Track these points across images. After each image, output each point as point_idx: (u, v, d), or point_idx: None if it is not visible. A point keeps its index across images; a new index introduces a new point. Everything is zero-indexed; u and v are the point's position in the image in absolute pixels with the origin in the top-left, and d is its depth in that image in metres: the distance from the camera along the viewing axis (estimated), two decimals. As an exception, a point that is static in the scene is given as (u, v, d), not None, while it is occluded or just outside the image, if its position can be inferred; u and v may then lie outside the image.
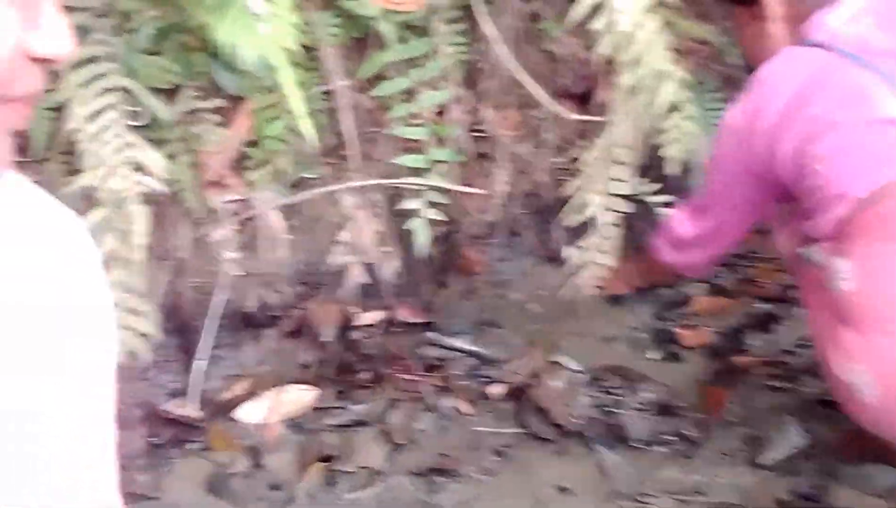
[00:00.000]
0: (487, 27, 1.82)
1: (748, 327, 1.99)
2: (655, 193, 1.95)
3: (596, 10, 1.60)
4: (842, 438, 1.57)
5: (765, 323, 2.00)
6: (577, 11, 1.57)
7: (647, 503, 1.51)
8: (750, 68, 1.51)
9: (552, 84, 2.13)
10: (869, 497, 1.44)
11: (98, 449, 0.59)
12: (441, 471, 1.56)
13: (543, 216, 2.23)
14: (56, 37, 0.50)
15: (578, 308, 2.07)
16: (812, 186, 1.33)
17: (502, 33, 1.90)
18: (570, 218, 1.88)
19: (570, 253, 1.97)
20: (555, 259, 2.22)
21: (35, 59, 0.50)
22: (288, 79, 1.33)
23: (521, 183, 2.09)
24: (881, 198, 1.25)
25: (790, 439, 1.58)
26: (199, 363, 1.56)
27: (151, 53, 1.35)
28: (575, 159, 2.18)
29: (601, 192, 1.83)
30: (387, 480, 1.55)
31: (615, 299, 2.06)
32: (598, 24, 1.58)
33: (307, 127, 1.39)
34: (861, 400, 1.29)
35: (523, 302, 2.08)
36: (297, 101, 1.35)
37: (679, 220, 1.68)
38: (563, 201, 2.23)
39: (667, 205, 2.06)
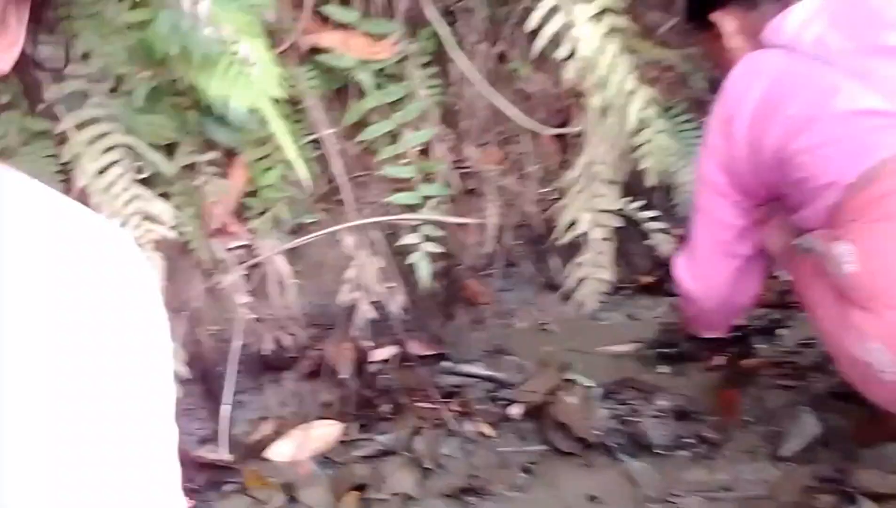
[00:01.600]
0: (465, 68, 1.92)
1: (753, 332, 2.04)
2: (640, 207, 2.03)
3: (557, 40, 1.69)
4: (857, 424, 1.60)
5: (768, 328, 2.05)
6: (539, 43, 1.62)
7: (677, 504, 1.52)
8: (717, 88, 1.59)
9: (530, 120, 2.23)
10: (891, 475, 1.47)
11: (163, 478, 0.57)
12: (472, 491, 1.57)
13: (537, 245, 2.29)
14: None
15: (584, 327, 2.13)
16: (799, 179, 1.38)
17: (474, 75, 2.01)
18: (562, 238, 1.91)
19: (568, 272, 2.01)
20: (552, 285, 2.29)
21: None
22: (280, 128, 1.40)
23: (512, 214, 2.17)
24: (869, 181, 1.30)
25: (807, 429, 1.61)
26: (225, 408, 1.58)
27: (148, 112, 1.43)
28: (560, 190, 2.27)
29: (588, 209, 1.88)
30: (420, 504, 1.56)
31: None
32: (561, 53, 1.65)
33: (303, 172, 1.46)
34: (881, 378, 1.30)
35: (529, 327, 2.13)
36: (290, 148, 1.42)
37: (686, 286, 1.65)
38: (553, 231, 2.31)
39: (653, 219, 2.15)
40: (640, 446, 1.66)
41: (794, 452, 1.57)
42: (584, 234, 1.85)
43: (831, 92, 1.34)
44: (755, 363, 1.89)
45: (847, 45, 1.37)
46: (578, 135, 2.22)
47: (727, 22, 1.56)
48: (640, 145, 1.77)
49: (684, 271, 1.64)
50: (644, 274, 2.31)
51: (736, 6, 1.56)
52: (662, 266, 2.42)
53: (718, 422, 1.70)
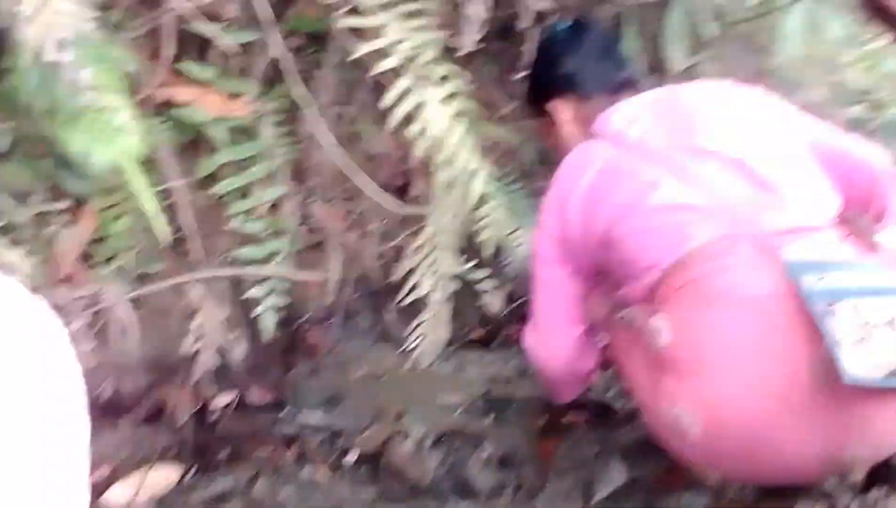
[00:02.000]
0: (316, 129, 2.01)
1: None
2: (472, 267, 2.18)
3: (409, 118, 1.75)
4: (659, 473, 1.75)
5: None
6: (393, 119, 1.69)
7: (499, 543, 1.65)
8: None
9: (373, 180, 2.35)
10: None
11: None
12: (309, 534, 1.65)
13: (374, 300, 2.40)
14: None
15: (417, 379, 2.25)
16: (624, 260, 1.53)
17: (324, 136, 2.11)
18: (405, 299, 2.01)
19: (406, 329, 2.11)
20: (388, 338, 2.40)
21: None
22: (140, 183, 1.44)
23: (352, 269, 2.27)
24: (682, 267, 1.45)
25: (615, 477, 1.75)
26: (62, 453, 1.57)
27: (3, 161, 1.43)
28: (399, 247, 2.39)
29: (430, 273, 1.98)
30: (257, 547, 1.61)
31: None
32: (413, 130, 1.73)
33: (160, 225, 1.50)
34: (685, 437, 1.44)
35: (364, 377, 2.23)
36: (148, 200, 1.46)
37: (536, 354, 1.77)
38: (391, 286, 2.42)
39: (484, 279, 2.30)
40: (466, 491, 1.77)
41: (602, 498, 1.72)
42: (426, 295, 1.94)
43: (652, 186, 1.49)
44: (572, 418, 2.05)
45: (666, 144, 1.53)
46: (418, 197, 2.37)
47: (561, 111, 1.73)
48: (481, 218, 1.91)
49: (532, 343, 1.76)
50: (474, 329, 2.46)
51: (570, 97, 1.73)
52: (491, 322, 2.59)
53: (537, 469, 1.83)
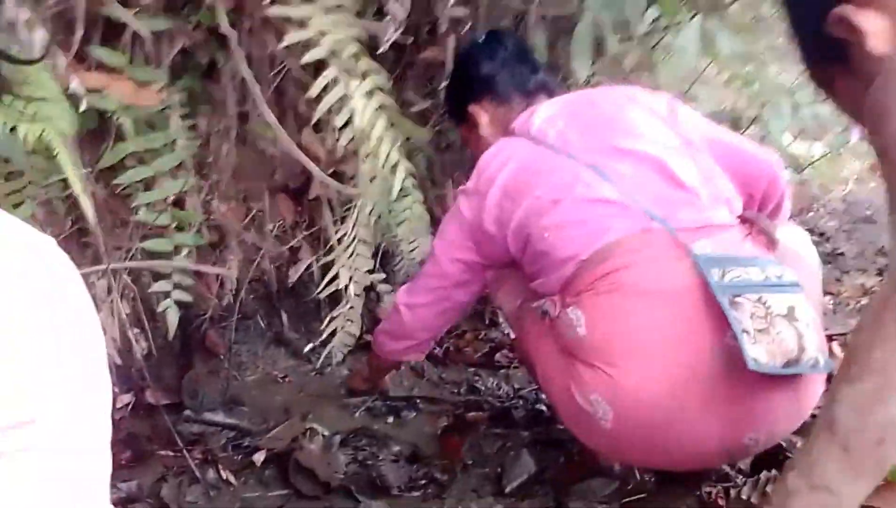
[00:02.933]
0: (216, 123, 1.97)
1: (468, 386, 2.29)
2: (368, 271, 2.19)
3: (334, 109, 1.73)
4: (566, 463, 1.84)
5: (474, 385, 2.31)
6: (320, 109, 1.67)
7: (414, 539, 1.65)
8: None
9: (271, 180, 2.31)
10: (598, 504, 1.69)
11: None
12: (219, 536, 1.60)
13: (270, 301, 2.37)
14: None
15: (313, 380, 2.23)
16: (540, 252, 1.59)
17: (221, 131, 2.07)
18: (323, 292, 1.99)
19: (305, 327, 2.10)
20: (282, 341, 2.37)
21: None
22: (67, 163, 1.37)
23: (250, 270, 2.22)
24: (600, 258, 1.52)
25: (525, 468, 1.81)
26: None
27: None
28: (295, 249, 2.37)
29: (348, 267, 1.98)
30: (167, 549, 1.55)
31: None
32: (338, 122, 1.73)
33: (87, 206, 1.43)
34: (599, 426, 1.49)
35: (261, 378, 2.20)
36: (76, 182, 1.39)
37: (402, 307, 1.83)
38: (287, 288, 2.39)
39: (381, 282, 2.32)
40: (377, 488, 1.77)
41: (514, 488, 1.76)
42: (339, 290, 1.94)
43: (572, 180, 1.56)
44: (473, 415, 2.10)
45: (586, 143, 1.61)
46: (316, 199, 2.36)
47: (481, 114, 1.79)
48: (399, 213, 1.92)
49: (404, 295, 1.84)
50: (367, 332, 2.47)
51: (488, 100, 1.80)
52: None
53: (445, 465, 1.87)
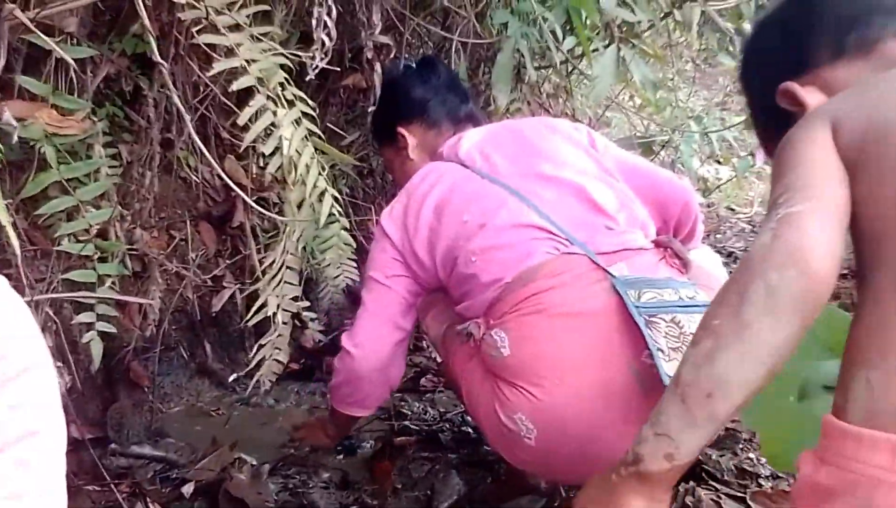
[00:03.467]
0: (141, 153, 1.96)
1: (395, 411, 2.31)
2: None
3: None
4: (496, 482, 1.87)
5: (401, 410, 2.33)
6: (249, 137, 1.66)
7: (348, 564, 1.66)
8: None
9: (195, 208, 2.31)
10: None
11: None
12: (149, 569, 1.58)
13: (194, 331, 2.35)
14: None
15: (237, 411, 2.23)
16: (467, 275, 1.62)
17: (144, 159, 2.06)
18: (250, 320, 1.96)
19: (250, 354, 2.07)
20: (205, 372, 2.35)
21: None
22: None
23: (173, 300, 2.21)
24: (523, 281, 1.55)
25: (454, 488, 1.84)
26: None
27: None
28: (218, 277, 2.36)
29: (276, 295, 1.95)
30: (96, 587, 1.53)
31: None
32: (266, 149, 1.71)
33: (12, 236, 1.41)
34: (524, 444, 1.52)
35: (185, 410, 2.18)
36: (1, 212, 1.37)
37: (351, 349, 1.75)
38: (211, 317, 2.38)
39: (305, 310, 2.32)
40: (310, 514, 1.77)
41: (445, 508, 1.79)
42: (264, 319, 1.92)
43: (499, 205, 1.60)
44: (402, 440, 2.12)
45: (511, 170, 1.66)
46: (238, 227, 2.36)
47: (410, 137, 1.83)
48: (326, 239, 1.94)
49: (347, 338, 1.75)
50: (292, 361, 2.47)
51: (419, 124, 1.83)
52: (308, 355, 2.61)
53: (376, 490, 1.89)
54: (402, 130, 1.83)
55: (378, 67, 1.95)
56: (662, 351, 1.45)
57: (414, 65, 1.88)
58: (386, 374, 1.78)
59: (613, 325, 1.51)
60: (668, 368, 1.44)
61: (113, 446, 1.90)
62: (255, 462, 1.93)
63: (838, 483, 0.77)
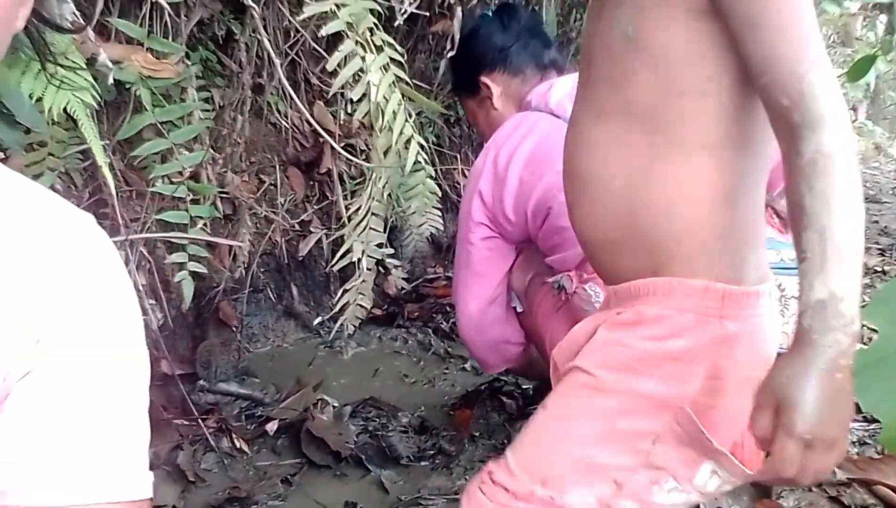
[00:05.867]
0: (228, 96, 1.99)
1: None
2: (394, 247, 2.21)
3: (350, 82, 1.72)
4: None
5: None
6: (337, 82, 1.66)
7: (426, 506, 1.67)
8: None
9: (283, 154, 2.34)
10: None
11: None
12: (235, 500, 1.63)
13: (281, 274, 2.39)
14: None
15: (322, 353, 2.27)
16: (560, 226, 1.57)
17: (234, 104, 2.09)
18: (336, 265, 1.98)
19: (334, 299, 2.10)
20: (292, 314, 2.40)
21: None
22: (91, 133, 1.39)
23: (262, 243, 2.25)
24: None
25: None
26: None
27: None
28: (305, 222, 2.39)
29: (361, 241, 1.98)
30: (185, 515, 1.59)
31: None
32: (354, 95, 1.71)
33: (108, 177, 1.45)
34: None
35: (271, 351, 2.22)
36: (99, 152, 1.41)
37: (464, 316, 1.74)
38: (297, 261, 2.42)
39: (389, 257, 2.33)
40: (387, 457, 1.80)
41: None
42: (349, 265, 1.94)
43: None
44: (482, 388, 2.13)
45: None
46: (326, 173, 2.38)
47: (493, 85, 1.79)
48: (412, 187, 1.94)
49: (460, 319, 1.75)
50: (375, 307, 2.49)
51: (502, 72, 1.79)
52: (392, 301, 2.63)
53: (454, 437, 1.90)
54: (485, 79, 1.78)
55: (458, 12, 1.90)
56: None
57: (491, 14, 1.83)
58: (502, 346, 1.77)
59: None
60: None
61: (201, 382, 1.96)
62: (336, 404, 1.96)
63: None
